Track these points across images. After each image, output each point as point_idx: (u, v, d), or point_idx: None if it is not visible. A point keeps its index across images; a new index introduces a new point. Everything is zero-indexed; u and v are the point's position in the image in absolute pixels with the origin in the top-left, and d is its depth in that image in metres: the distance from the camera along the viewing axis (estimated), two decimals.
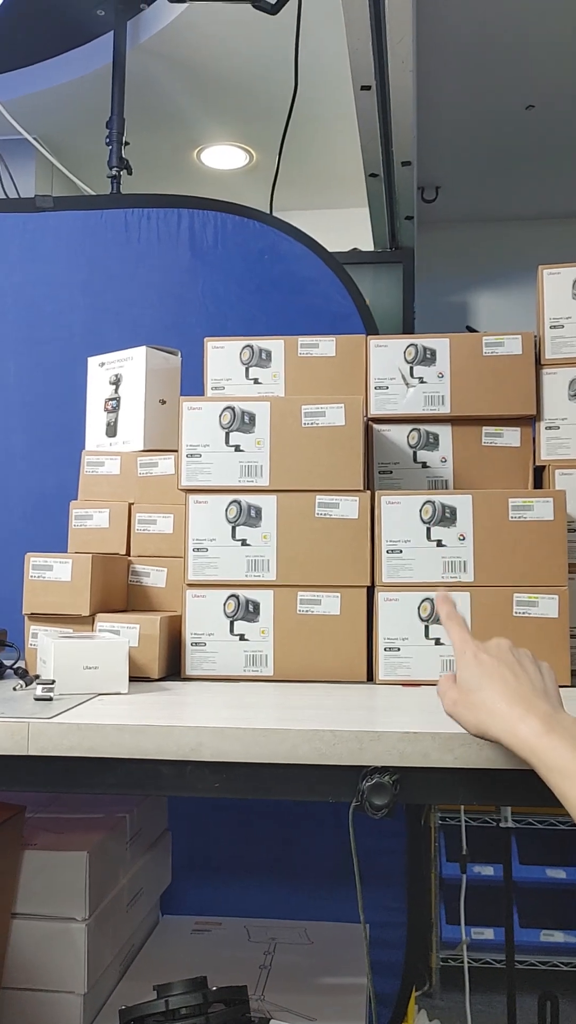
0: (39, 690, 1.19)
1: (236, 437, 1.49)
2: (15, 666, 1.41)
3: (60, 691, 1.23)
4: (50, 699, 1.18)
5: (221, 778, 1.05)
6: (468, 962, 2.41)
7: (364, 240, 3.03)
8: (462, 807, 2.57)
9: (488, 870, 2.61)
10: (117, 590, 1.56)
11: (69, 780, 1.05)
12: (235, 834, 1.94)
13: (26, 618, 1.46)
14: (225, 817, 1.93)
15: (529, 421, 1.62)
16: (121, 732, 1.05)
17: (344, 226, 3.07)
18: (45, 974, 1.25)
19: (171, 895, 1.73)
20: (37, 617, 1.45)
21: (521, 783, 1.01)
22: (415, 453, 1.64)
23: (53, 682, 1.21)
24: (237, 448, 1.49)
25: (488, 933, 2.62)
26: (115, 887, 1.38)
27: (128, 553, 1.62)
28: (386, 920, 1.96)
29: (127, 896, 1.43)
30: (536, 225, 3.43)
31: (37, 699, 1.18)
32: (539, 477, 1.62)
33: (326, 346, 1.67)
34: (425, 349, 1.63)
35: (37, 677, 1.29)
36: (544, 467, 1.60)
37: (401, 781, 1.01)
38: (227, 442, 1.49)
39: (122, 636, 1.35)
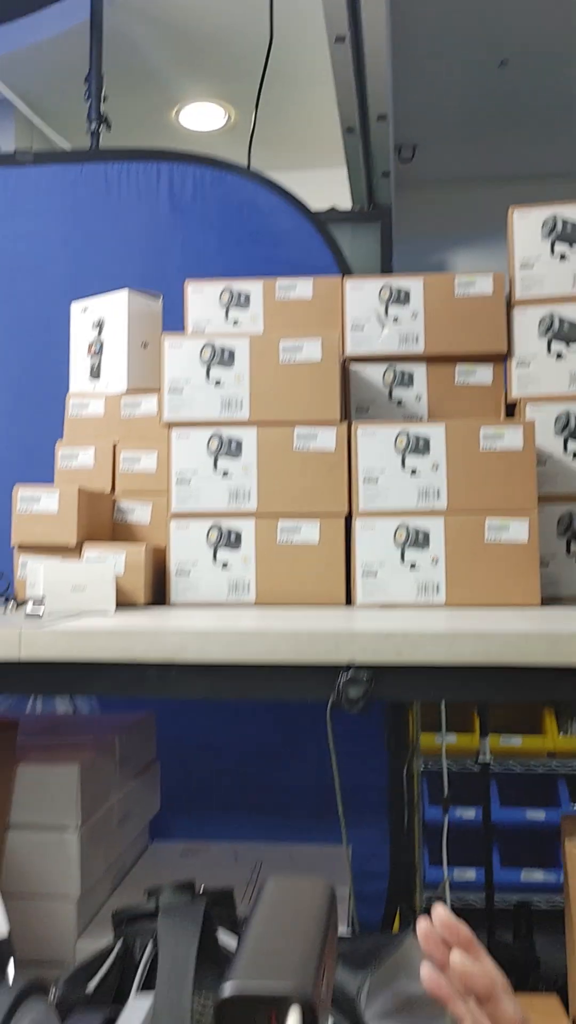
0: (29, 606, 1.25)
1: (216, 372, 1.55)
2: (4, 594, 1.47)
3: (49, 611, 1.28)
4: (39, 616, 1.24)
5: (205, 680, 1.11)
6: (451, 902, 2.49)
7: (342, 200, 3.08)
8: (443, 752, 2.64)
9: (469, 813, 2.70)
10: (103, 526, 1.61)
11: (59, 684, 1.10)
12: (222, 771, 2.00)
13: (15, 549, 1.52)
14: (211, 754, 2.00)
15: (501, 359, 1.68)
16: (109, 637, 1.11)
17: (322, 186, 3.11)
18: (40, 881, 1.31)
19: (159, 824, 1.79)
20: (26, 548, 1.50)
21: (488, 679, 1.07)
22: (391, 391, 1.70)
23: (43, 599, 1.27)
24: (217, 383, 1.54)
25: (470, 874, 2.70)
26: (105, 804, 1.44)
27: (113, 491, 1.67)
28: (371, 852, 2.04)
29: (117, 814, 1.50)
30: (512, 185, 3.48)
31: (28, 615, 1.23)
32: (511, 414, 1.68)
33: (303, 288, 1.72)
34: (399, 290, 1.68)
35: (26, 601, 1.34)
36: (515, 403, 1.66)
37: (375, 679, 1.07)
38: (208, 377, 1.55)
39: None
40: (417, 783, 2.65)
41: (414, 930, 0.97)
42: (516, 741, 2.78)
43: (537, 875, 2.70)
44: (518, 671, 1.06)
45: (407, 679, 1.08)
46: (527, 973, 1.57)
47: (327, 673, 1.08)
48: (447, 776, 2.61)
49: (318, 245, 2.18)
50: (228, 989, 0.53)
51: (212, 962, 0.58)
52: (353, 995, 0.94)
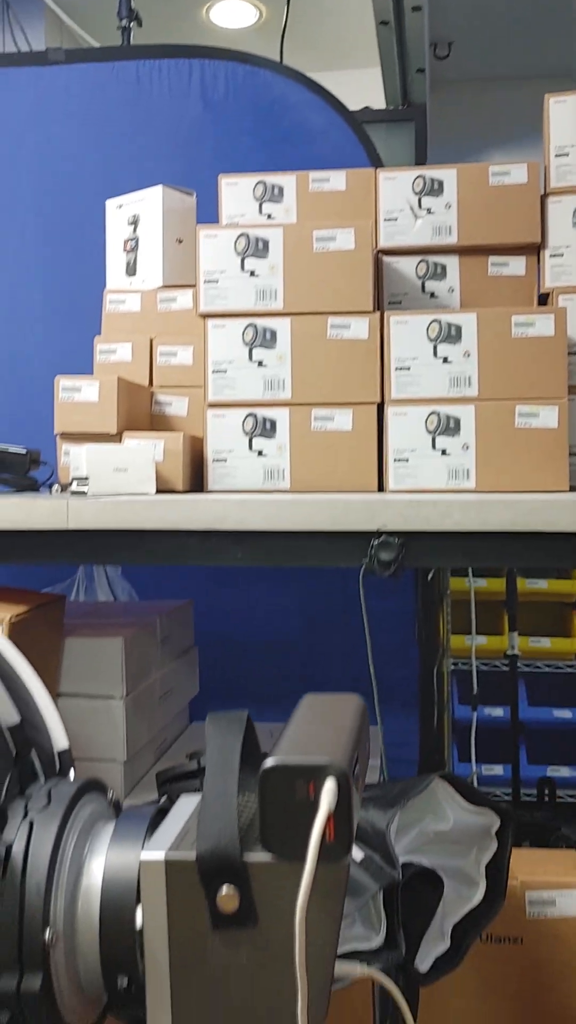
0: (74, 485, 1.31)
1: (251, 263, 1.57)
2: (48, 482, 1.53)
3: (93, 491, 1.34)
4: (84, 493, 1.30)
5: (243, 547, 1.17)
6: None
7: (376, 101, 3.03)
8: (473, 652, 2.71)
9: (497, 711, 2.77)
10: (142, 418, 1.66)
11: (105, 553, 1.17)
12: (255, 663, 2.09)
13: (58, 438, 1.58)
14: (245, 648, 2.08)
15: (534, 250, 1.68)
16: (152, 507, 1.17)
17: (355, 87, 3.06)
18: (88, 746, 1.40)
19: (198, 708, 1.89)
20: (68, 436, 1.56)
21: (515, 545, 1.12)
22: (423, 284, 1.71)
23: (86, 479, 1.33)
24: (252, 273, 1.57)
25: (497, 770, 2.79)
26: (148, 678, 1.53)
27: (151, 385, 1.72)
28: (401, 740, 2.12)
29: (159, 689, 1.58)
30: (551, 83, 3.39)
31: (74, 492, 1.30)
32: (543, 305, 1.69)
33: (336, 180, 1.73)
34: (433, 180, 1.68)
35: (71, 483, 1.41)
36: (548, 294, 1.67)
37: (406, 545, 1.13)
38: (242, 268, 1.57)
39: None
40: (447, 683, 2.73)
41: (440, 774, 1.04)
42: (545, 643, 2.84)
43: (563, 771, 2.78)
44: (544, 536, 1.10)
45: (437, 545, 1.14)
46: (548, 835, 1.66)
47: (360, 540, 1.13)
48: (476, 675, 2.69)
49: (351, 142, 2.16)
50: (271, 761, 0.60)
51: (253, 769, 0.65)
52: (383, 830, 1.02)
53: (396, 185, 1.70)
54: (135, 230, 1.81)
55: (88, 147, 2.20)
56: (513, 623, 2.48)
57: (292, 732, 0.65)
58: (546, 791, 1.95)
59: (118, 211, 1.84)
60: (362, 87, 3.15)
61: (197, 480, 1.59)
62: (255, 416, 1.57)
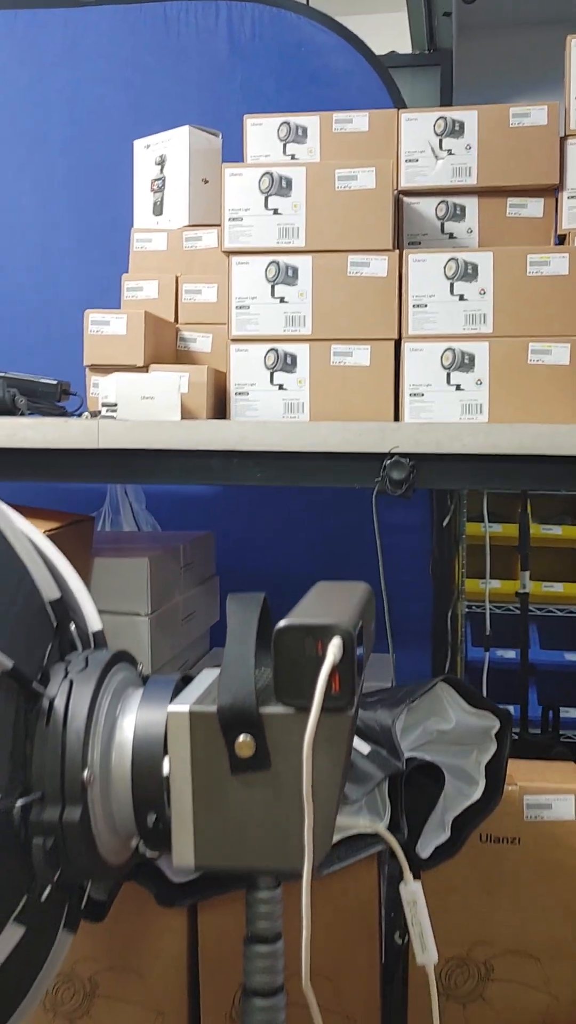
0: (103, 411, 1.39)
1: (274, 201, 1.63)
2: (78, 411, 1.61)
3: (121, 417, 1.42)
4: (113, 417, 1.38)
5: (263, 468, 1.24)
6: None
7: (403, 46, 3.04)
8: (487, 596, 2.78)
9: (510, 654, 2.86)
10: (167, 353, 1.73)
11: (132, 471, 1.25)
12: (272, 596, 2.17)
13: (87, 370, 1.65)
14: (262, 581, 2.16)
15: (552, 192, 1.73)
16: (177, 428, 1.25)
17: (381, 32, 3.07)
18: None
19: (219, 636, 1.98)
20: (97, 368, 1.64)
21: (523, 468, 1.19)
22: (443, 224, 1.76)
23: (115, 405, 1.41)
24: (275, 212, 1.63)
25: (508, 710, 2.89)
26: (171, 600, 1.62)
27: (176, 322, 1.79)
28: (414, 672, 2.20)
29: (182, 611, 1.67)
30: None
31: (103, 416, 1.37)
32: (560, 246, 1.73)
33: (359, 121, 1.77)
34: (454, 122, 1.73)
35: (100, 410, 1.49)
36: (565, 236, 1.71)
37: (417, 467, 1.20)
38: (266, 206, 1.63)
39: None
40: (461, 624, 2.81)
41: (444, 678, 1.12)
42: (558, 587, 2.91)
43: (572, 712, 2.87)
44: (549, 460, 1.17)
45: (447, 467, 1.21)
46: (547, 751, 1.75)
47: (373, 461, 1.21)
48: (489, 618, 2.77)
49: (376, 85, 2.20)
50: (284, 623, 0.68)
51: (267, 646, 0.73)
52: (389, 726, 1.10)
53: (417, 126, 1.74)
54: (162, 170, 1.86)
55: (117, 88, 2.24)
56: (525, 562, 2.55)
57: (304, 604, 0.73)
58: (550, 717, 2.04)
59: (145, 151, 1.89)
60: (389, 31, 3.16)
61: (220, 413, 1.67)
62: (276, 351, 1.63)
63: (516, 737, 2.75)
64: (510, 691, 2.83)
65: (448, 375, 1.59)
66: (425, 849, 1.13)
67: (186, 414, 1.58)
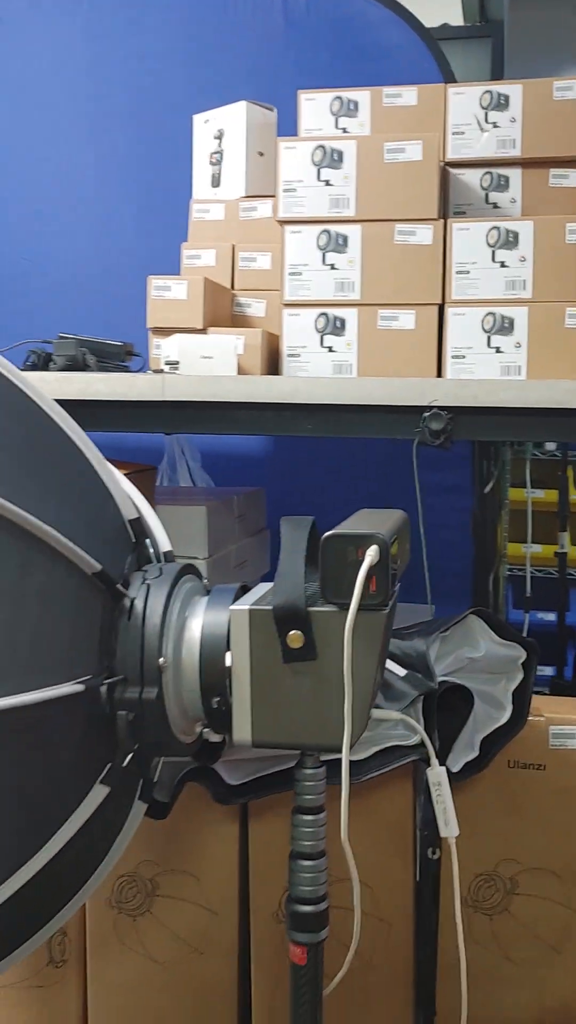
0: (167, 369, 1.53)
1: (326, 173, 1.75)
2: (141, 370, 1.75)
3: (182, 373, 1.56)
4: (176, 372, 1.51)
5: (312, 420, 1.37)
6: None
7: (455, 18, 3.11)
8: (528, 559, 2.89)
9: (550, 616, 2.97)
10: (224, 316, 1.87)
11: (195, 422, 1.39)
12: None
13: (150, 332, 1.79)
14: None
15: None
16: (234, 383, 1.38)
17: (434, 4, 3.14)
18: None
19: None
20: (159, 331, 1.78)
21: (556, 420, 1.31)
22: (487, 195, 1.86)
23: (177, 363, 1.54)
24: (327, 183, 1.75)
25: (547, 671, 3.00)
26: (226, 547, 1.76)
27: (232, 288, 1.92)
28: None
29: (236, 559, 1.82)
30: None
31: (167, 373, 1.51)
32: None
33: (408, 95, 1.88)
34: (499, 95, 1.82)
35: (163, 368, 1.63)
36: None
37: (455, 419, 1.32)
38: (318, 178, 1.75)
39: None
40: (502, 587, 2.93)
41: (474, 611, 1.25)
42: None
43: None
44: None
45: (483, 420, 1.33)
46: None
47: (414, 414, 1.33)
48: (530, 581, 2.88)
49: (426, 59, 2.30)
50: (330, 533, 0.82)
51: (314, 564, 0.86)
52: (424, 652, 1.24)
53: (464, 100, 1.84)
54: (220, 143, 1.99)
55: (176, 63, 2.37)
56: (564, 524, 2.65)
57: (347, 522, 0.86)
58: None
59: (204, 125, 2.02)
60: (441, 4, 3.23)
61: (273, 373, 1.79)
62: (327, 315, 1.76)
63: (551, 694, 2.87)
64: (548, 652, 2.94)
65: (488, 338, 1.70)
66: (455, 764, 1.26)
67: (241, 374, 1.71)
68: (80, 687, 0.80)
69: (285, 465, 2.33)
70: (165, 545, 1.00)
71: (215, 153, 2.00)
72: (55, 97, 2.37)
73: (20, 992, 1.53)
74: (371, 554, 0.80)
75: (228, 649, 0.87)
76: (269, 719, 0.85)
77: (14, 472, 0.81)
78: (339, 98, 1.91)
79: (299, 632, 0.83)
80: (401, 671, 1.22)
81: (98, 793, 0.85)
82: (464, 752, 1.28)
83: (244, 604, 0.86)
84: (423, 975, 1.43)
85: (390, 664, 1.22)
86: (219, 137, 1.99)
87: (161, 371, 1.62)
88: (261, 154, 1.98)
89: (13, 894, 0.77)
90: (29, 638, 0.78)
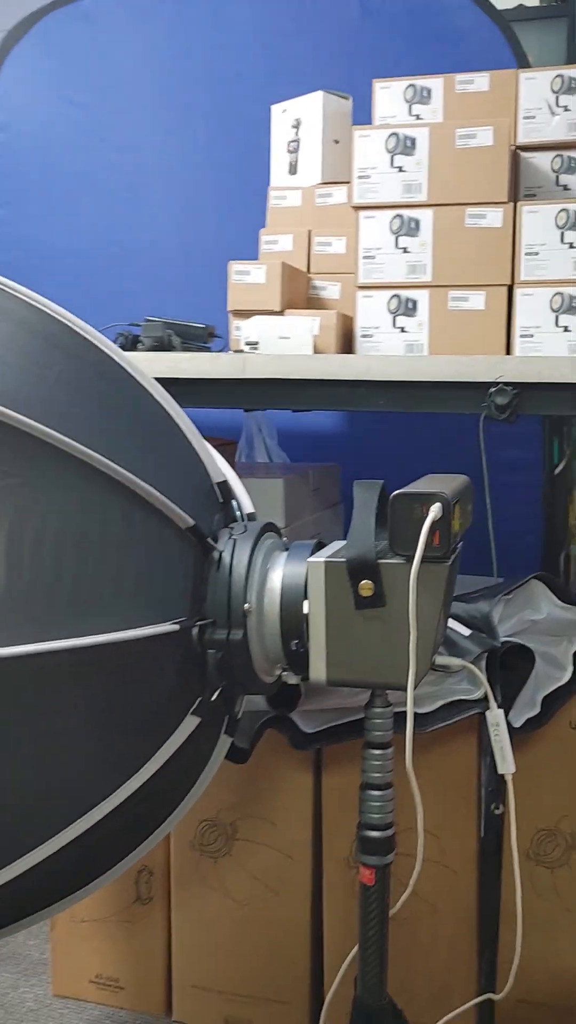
0: (246, 349, 1.64)
1: (399, 160, 1.83)
2: (222, 351, 1.87)
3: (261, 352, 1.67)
4: (256, 351, 1.63)
5: (385, 396, 1.47)
6: None
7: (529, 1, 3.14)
8: None
9: None
10: (300, 299, 1.97)
11: (273, 397, 1.50)
12: None
13: (230, 315, 1.91)
14: None
15: None
16: (311, 361, 1.49)
17: None
18: None
19: None
20: (239, 313, 1.89)
21: None
22: (557, 177, 1.92)
23: (257, 343, 1.66)
24: (400, 169, 1.84)
25: None
26: (302, 518, 1.87)
27: (308, 271, 2.02)
28: None
29: (311, 530, 1.92)
30: None
31: (247, 352, 1.63)
32: None
33: (480, 81, 1.95)
34: (570, 79, 1.88)
35: (243, 348, 1.74)
36: None
37: (520, 395, 1.40)
38: (391, 164, 1.84)
39: None
40: (572, 565, 2.98)
41: (537, 575, 1.33)
42: None
43: None
44: None
45: (548, 395, 1.41)
46: None
47: (481, 390, 1.42)
48: None
49: (499, 42, 2.36)
50: (397, 492, 0.92)
51: (384, 524, 0.96)
52: (488, 613, 1.33)
53: (535, 85, 1.91)
54: (297, 132, 2.09)
55: (255, 54, 2.47)
56: None
57: (413, 483, 0.96)
58: None
59: (282, 115, 2.12)
60: None
61: (347, 352, 1.89)
62: (399, 297, 1.85)
63: None
64: None
65: (556, 317, 1.77)
66: (517, 720, 1.35)
67: (317, 353, 1.81)
68: (175, 627, 0.92)
69: (358, 442, 2.42)
70: (248, 506, 1.11)
71: (292, 142, 2.10)
72: (141, 90, 2.49)
73: (111, 926, 1.68)
74: (434, 510, 0.89)
75: (306, 597, 0.98)
76: (342, 660, 0.96)
77: (118, 436, 0.93)
78: (412, 86, 1.99)
79: (369, 582, 0.93)
80: (466, 631, 1.32)
81: (190, 723, 0.97)
82: (526, 709, 1.37)
83: (320, 557, 0.97)
84: (486, 921, 1.52)
85: (456, 625, 1.31)
86: (296, 126, 2.09)
87: (241, 351, 1.73)
88: (337, 142, 2.07)
89: (119, 805, 0.90)
90: (133, 583, 0.90)
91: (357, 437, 2.41)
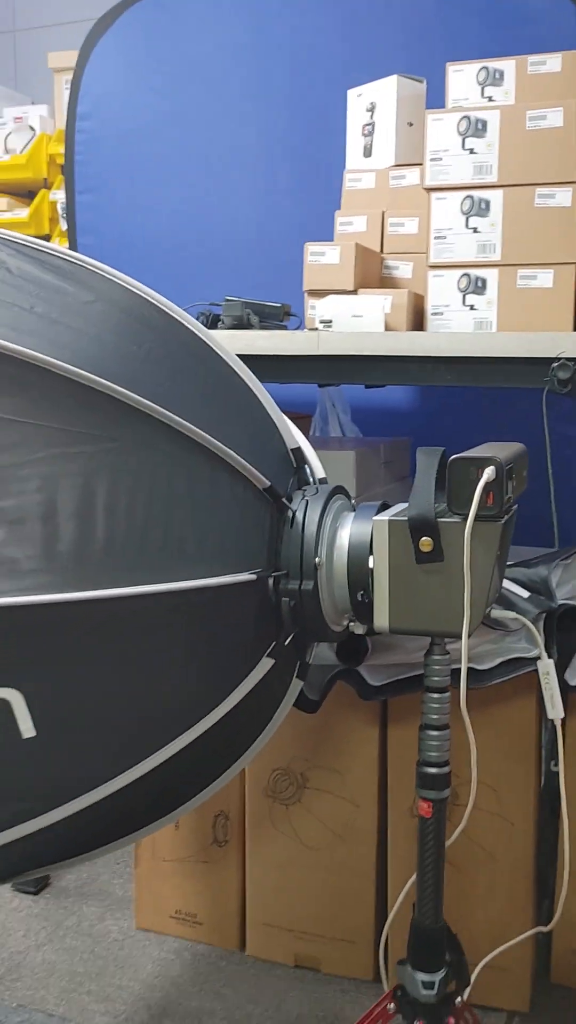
0: (320, 327, 1.75)
1: (471, 142, 1.91)
2: (298, 328, 1.98)
3: (335, 330, 1.77)
4: (330, 328, 1.73)
5: (452, 371, 1.56)
6: None
7: None
8: None
9: None
10: (373, 278, 2.06)
11: (346, 373, 1.60)
12: None
13: (306, 294, 2.01)
14: None
15: None
16: (382, 338, 1.58)
17: None
18: None
19: None
20: (314, 293, 1.99)
21: None
22: None
23: (331, 321, 1.76)
24: (471, 151, 1.91)
25: None
26: (373, 490, 1.97)
27: (382, 251, 2.11)
28: None
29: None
30: None
31: (321, 330, 1.73)
32: None
33: (553, 63, 2.00)
34: None
35: (317, 326, 1.84)
36: None
37: None
38: (463, 146, 1.91)
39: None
40: None
41: None
42: None
43: None
44: None
45: None
46: None
47: (544, 364, 1.50)
48: None
49: (573, 22, 2.39)
50: (455, 456, 1.01)
51: (444, 487, 1.06)
52: (546, 576, 1.41)
53: None
54: (372, 116, 2.17)
55: (331, 38, 2.55)
56: None
57: (471, 450, 1.06)
58: None
59: (357, 99, 2.21)
60: None
61: (418, 330, 1.98)
62: (469, 275, 1.93)
63: None
64: None
65: None
66: (573, 678, 1.43)
67: (388, 331, 1.90)
68: (253, 576, 1.04)
69: (430, 418, 2.51)
70: (320, 471, 1.22)
71: (367, 125, 2.18)
72: (219, 78, 2.60)
73: (190, 866, 1.82)
74: (488, 473, 0.99)
75: (371, 553, 1.09)
76: (403, 610, 1.06)
77: (202, 406, 1.05)
78: (485, 68, 2.05)
79: (429, 538, 1.04)
80: (524, 593, 1.41)
81: (265, 664, 1.08)
82: None
83: (385, 516, 1.08)
84: (542, 871, 1.62)
85: (515, 587, 1.41)
86: (371, 110, 2.17)
87: (316, 329, 1.83)
88: (410, 124, 2.15)
89: (206, 731, 1.02)
90: (217, 537, 1.02)
91: (428, 412, 2.49)
